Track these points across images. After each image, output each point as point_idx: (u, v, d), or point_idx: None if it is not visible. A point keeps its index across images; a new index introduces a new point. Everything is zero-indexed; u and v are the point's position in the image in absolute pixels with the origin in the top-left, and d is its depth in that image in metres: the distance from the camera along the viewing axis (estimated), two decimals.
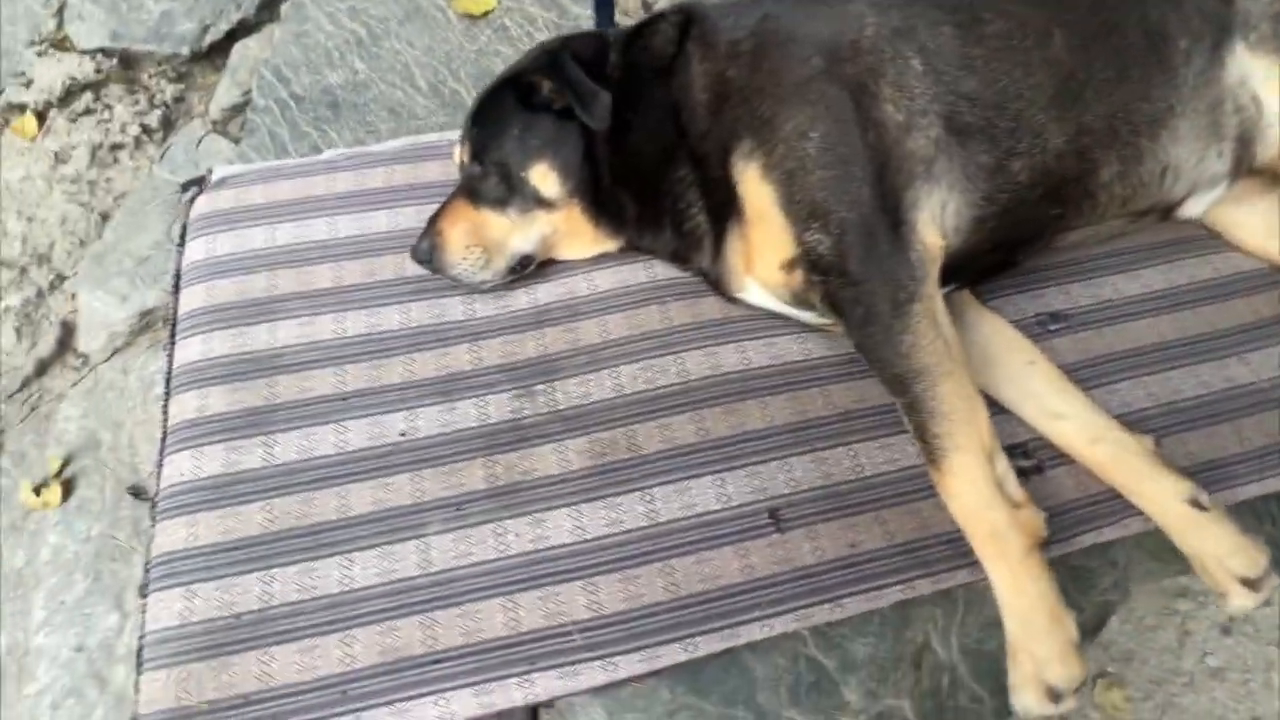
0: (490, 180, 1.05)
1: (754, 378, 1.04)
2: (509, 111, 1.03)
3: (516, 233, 1.08)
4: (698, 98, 0.96)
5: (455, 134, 1.38)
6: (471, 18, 1.64)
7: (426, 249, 1.07)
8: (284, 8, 1.64)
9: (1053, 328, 1.12)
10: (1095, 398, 1.01)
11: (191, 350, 1.08)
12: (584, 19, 1.65)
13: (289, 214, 1.21)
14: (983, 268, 1.05)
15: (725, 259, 1.03)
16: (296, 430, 1.00)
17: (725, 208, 0.98)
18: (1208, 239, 1.22)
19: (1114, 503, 0.96)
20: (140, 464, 1.12)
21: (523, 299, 1.14)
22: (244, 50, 1.55)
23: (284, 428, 1.00)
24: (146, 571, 0.93)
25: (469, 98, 1.54)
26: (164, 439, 1.03)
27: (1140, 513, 0.94)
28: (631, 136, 1.01)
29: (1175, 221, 1.17)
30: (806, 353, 1.07)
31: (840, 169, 0.86)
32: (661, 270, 1.15)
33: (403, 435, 1.00)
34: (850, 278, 0.87)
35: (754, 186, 0.91)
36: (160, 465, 1.01)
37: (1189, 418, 1.03)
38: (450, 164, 1.30)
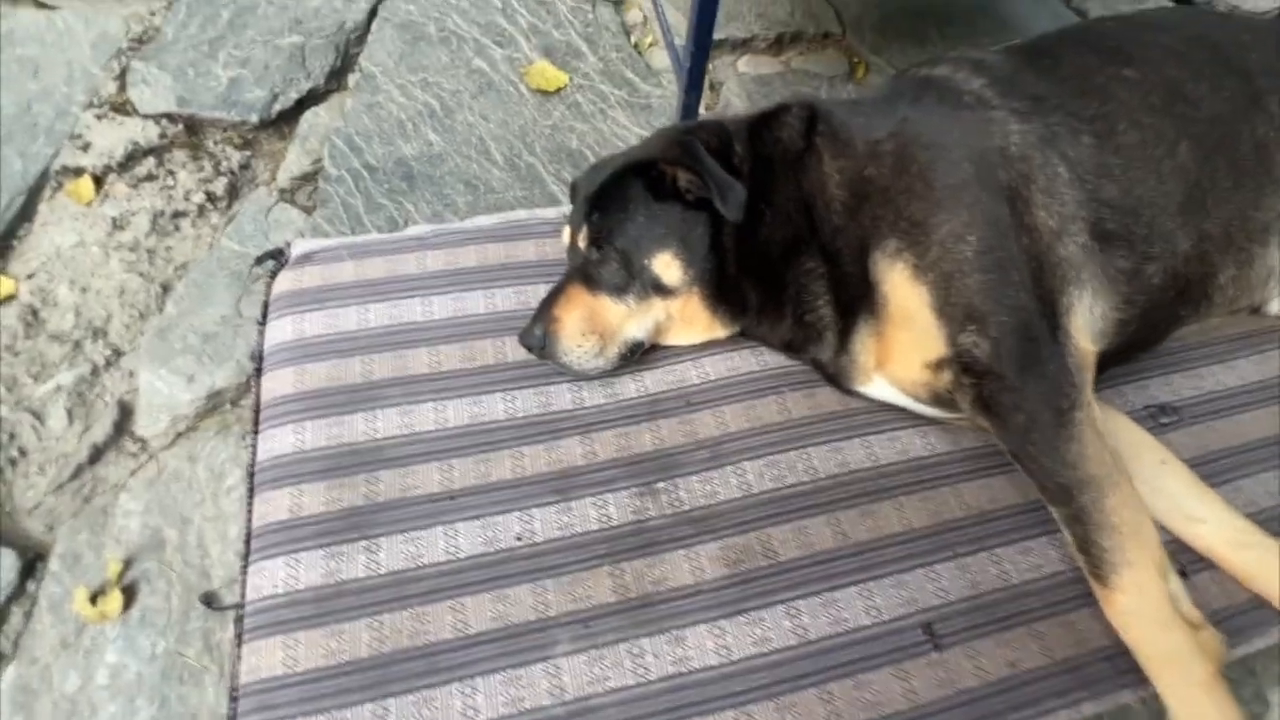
0: (610, 266, 1.02)
1: (884, 475, 1.00)
2: (635, 198, 1.01)
3: (632, 320, 1.04)
4: (833, 193, 0.95)
5: (546, 212, 1.36)
6: (544, 93, 1.65)
7: (540, 335, 1.02)
8: (353, 78, 1.62)
9: (1164, 420, 1.11)
10: (1222, 496, 0.99)
11: (281, 441, 0.99)
12: (654, 96, 1.67)
13: (380, 293, 1.15)
14: (1103, 366, 1.04)
15: (851, 353, 1.00)
16: (402, 534, 0.92)
17: (856, 302, 0.96)
18: None
19: (1259, 611, 0.93)
20: (211, 567, 1.01)
21: (631, 387, 1.09)
22: (313, 119, 1.52)
23: (388, 530, 0.92)
24: (234, 701, 0.82)
25: (545, 172, 1.52)
26: (248, 542, 0.93)
27: None
28: (760, 228, 0.99)
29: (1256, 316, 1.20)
30: (930, 447, 1.04)
31: (999, 273, 0.85)
32: (772, 358, 1.12)
33: (519, 539, 0.93)
34: (1008, 383, 0.85)
35: (903, 287, 0.89)
36: (245, 573, 0.91)
37: None
38: (545, 244, 1.27)
